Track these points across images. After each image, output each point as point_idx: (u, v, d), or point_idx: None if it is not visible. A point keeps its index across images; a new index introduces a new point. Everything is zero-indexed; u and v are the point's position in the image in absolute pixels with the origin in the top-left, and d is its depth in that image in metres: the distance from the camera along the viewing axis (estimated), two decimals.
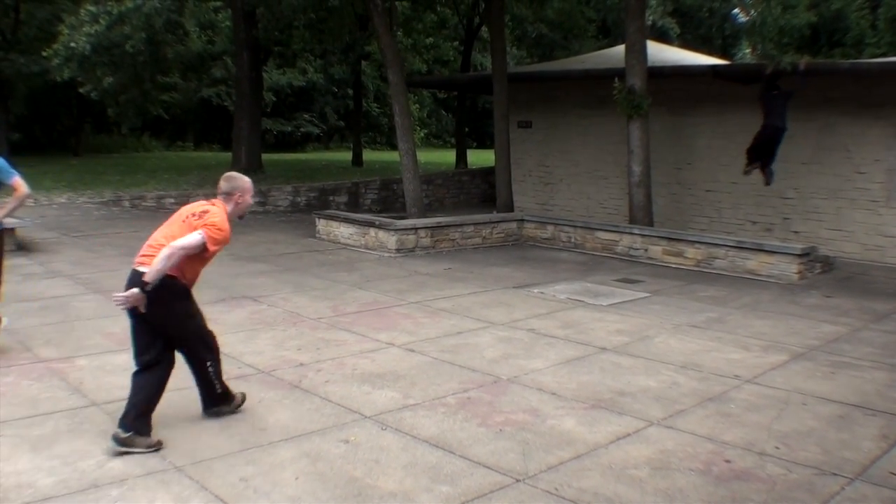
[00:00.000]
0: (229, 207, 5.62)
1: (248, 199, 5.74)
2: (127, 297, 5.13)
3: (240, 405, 5.97)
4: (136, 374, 5.45)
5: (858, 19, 37.71)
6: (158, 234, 5.44)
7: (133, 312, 5.28)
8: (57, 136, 35.52)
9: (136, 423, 5.21)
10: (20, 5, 27.14)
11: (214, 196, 5.63)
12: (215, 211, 5.51)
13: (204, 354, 5.72)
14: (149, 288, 5.12)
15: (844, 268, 13.05)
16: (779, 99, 12.77)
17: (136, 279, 5.23)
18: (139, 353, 5.45)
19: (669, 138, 16.36)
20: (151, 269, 5.14)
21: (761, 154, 12.90)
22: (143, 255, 5.35)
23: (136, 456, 5.04)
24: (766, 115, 12.78)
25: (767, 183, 12.95)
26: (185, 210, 5.60)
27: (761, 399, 6.46)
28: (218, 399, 5.85)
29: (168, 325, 5.47)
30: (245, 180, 5.76)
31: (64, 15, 23.60)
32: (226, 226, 5.46)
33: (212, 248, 5.37)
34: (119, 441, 5.12)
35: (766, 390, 6.69)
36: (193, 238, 5.28)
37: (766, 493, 4.76)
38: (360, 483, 4.76)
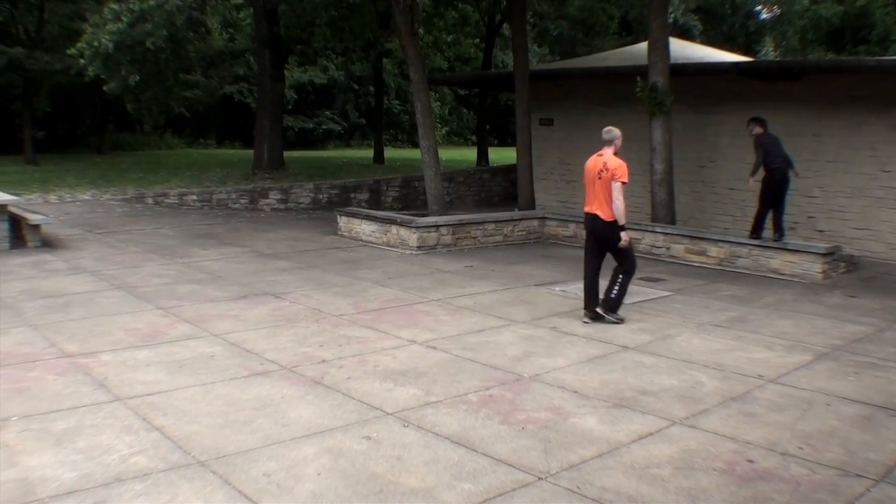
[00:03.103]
0: (612, 150, 8.78)
1: (621, 142, 8.92)
2: (627, 239, 8.73)
3: (618, 321, 8.82)
4: (593, 275, 8.99)
5: (883, 16, 37.37)
6: (591, 193, 8.81)
7: (598, 240, 8.92)
8: (80, 133, 35.76)
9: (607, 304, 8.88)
10: (44, 4, 27.29)
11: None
12: (612, 159, 8.69)
13: (627, 268, 8.90)
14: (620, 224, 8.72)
15: (869, 267, 12.93)
16: (773, 138, 12.14)
17: (599, 222, 8.78)
18: (594, 263, 9.01)
19: (692, 136, 16.28)
20: (619, 217, 8.65)
21: (772, 203, 12.25)
22: (593, 206, 8.83)
23: (159, 451, 5.08)
24: (767, 159, 11.94)
25: (778, 239, 12.29)
26: (591, 169, 8.85)
27: (785, 399, 6.42)
28: (608, 303, 8.85)
29: (620, 249, 8.79)
30: (617, 131, 8.91)
31: (87, 13, 23.74)
32: (620, 161, 8.70)
33: (627, 181, 8.65)
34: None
35: (789, 390, 6.65)
36: (618, 189, 8.59)
37: (789, 493, 4.72)
38: (382, 480, 4.77)
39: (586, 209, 8.97)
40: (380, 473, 4.86)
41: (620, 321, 8.82)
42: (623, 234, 8.69)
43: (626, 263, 8.92)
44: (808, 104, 14.72)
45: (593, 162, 8.89)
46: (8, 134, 30.49)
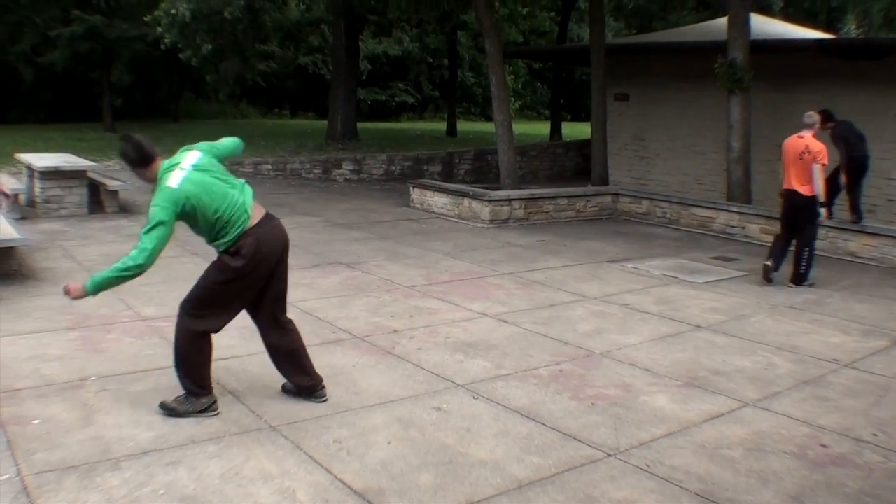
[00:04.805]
0: (812, 133, 9.57)
1: (820, 126, 9.84)
2: (827, 213, 10.16)
3: (810, 286, 9.74)
4: (784, 244, 9.96)
5: None
6: (791, 171, 9.58)
7: (792, 213, 9.80)
8: (157, 101, 36.37)
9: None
10: None
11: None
12: (813, 142, 9.46)
13: (810, 243, 9.76)
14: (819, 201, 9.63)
15: None
16: (846, 125, 11.65)
17: (797, 197, 9.60)
18: (787, 235, 9.95)
19: (771, 114, 15.92)
20: (820, 195, 9.52)
21: (854, 185, 11.85)
22: (792, 183, 9.59)
23: (232, 415, 5.18)
24: (849, 149, 11.46)
25: (856, 221, 11.92)
26: (791, 151, 9.58)
27: (860, 384, 6.30)
28: (798, 278, 9.79)
29: (808, 222, 9.71)
30: (817, 116, 9.78)
31: None
32: (822, 144, 9.48)
33: (826, 163, 9.45)
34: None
35: (864, 375, 6.52)
36: (819, 171, 9.40)
37: (862, 479, 4.64)
38: (452, 450, 4.81)
39: (785, 186, 9.80)
40: (449, 444, 4.90)
41: (812, 286, 9.78)
42: (823, 210, 9.81)
43: (810, 236, 9.80)
44: (891, 84, 14.29)
45: (794, 142, 9.63)
46: (88, 101, 31.17)
